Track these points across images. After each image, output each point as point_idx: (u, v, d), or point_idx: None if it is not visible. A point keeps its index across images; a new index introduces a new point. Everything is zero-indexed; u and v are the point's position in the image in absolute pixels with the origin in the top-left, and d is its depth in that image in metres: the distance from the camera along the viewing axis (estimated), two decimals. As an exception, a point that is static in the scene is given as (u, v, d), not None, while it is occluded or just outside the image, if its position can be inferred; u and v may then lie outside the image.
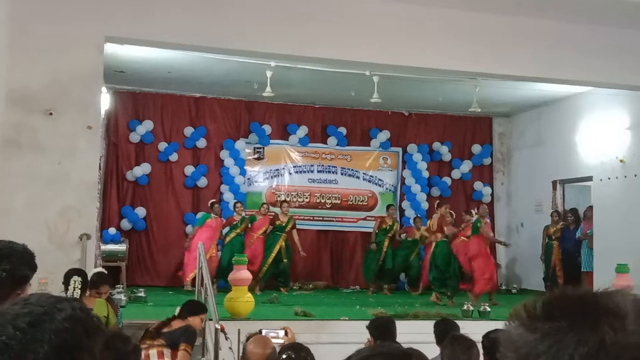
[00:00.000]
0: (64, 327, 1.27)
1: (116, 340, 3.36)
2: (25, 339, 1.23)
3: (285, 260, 12.71)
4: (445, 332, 5.10)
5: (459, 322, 6.29)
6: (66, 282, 5.33)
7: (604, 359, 0.96)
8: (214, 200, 12.93)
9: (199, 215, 13.05)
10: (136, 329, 6.58)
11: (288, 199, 13.67)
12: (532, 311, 1.03)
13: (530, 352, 1.00)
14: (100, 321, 1.38)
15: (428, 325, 5.91)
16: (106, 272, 6.79)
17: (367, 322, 5.58)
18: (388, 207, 13.88)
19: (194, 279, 11.65)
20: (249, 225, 12.79)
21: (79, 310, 1.32)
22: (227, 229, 12.70)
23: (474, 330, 6.75)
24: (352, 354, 1.59)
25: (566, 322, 0.99)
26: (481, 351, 4.40)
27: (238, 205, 12.97)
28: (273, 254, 12.54)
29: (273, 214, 13.15)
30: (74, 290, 4.94)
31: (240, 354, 5.28)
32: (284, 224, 12.82)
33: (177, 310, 5.68)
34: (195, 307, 5.90)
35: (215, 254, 12.22)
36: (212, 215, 12.41)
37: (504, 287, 14.56)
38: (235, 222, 12.64)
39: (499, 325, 5.18)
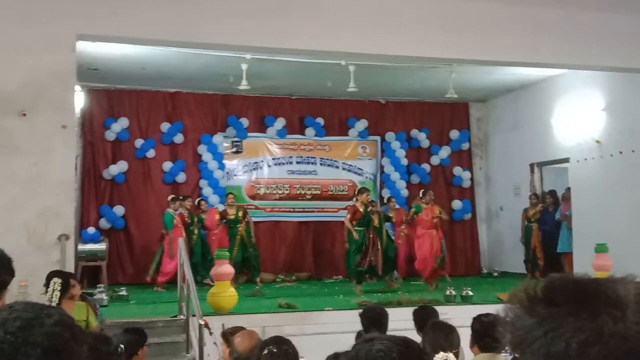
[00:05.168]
0: (55, 331, 1.27)
1: (98, 341, 3.34)
2: (17, 342, 1.24)
3: (251, 250, 12.63)
4: (425, 319, 5.12)
5: (442, 308, 6.33)
6: (47, 284, 5.27)
7: (600, 348, 0.94)
8: (174, 195, 12.55)
9: (165, 217, 12.18)
10: (119, 328, 6.54)
11: (233, 192, 13.33)
12: (533, 294, 1.02)
13: (527, 335, 0.99)
14: (83, 330, 1.38)
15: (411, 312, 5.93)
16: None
17: (351, 312, 5.59)
18: (360, 190, 12.08)
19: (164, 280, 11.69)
20: (203, 224, 12.71)
21: (66, 316, 1.33)
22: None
23: (457, 314, 6.81)
24: (358, 340, 1.56)
25: (565, 308, 0.98)
26: (467, 334, 4.42)
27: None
28: (236, 248, 12.36)
29: (223, 208, 13.01)
30: (54, 292, 4.87)
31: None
32: (234, 217, 12.70)
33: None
34: (139, 338, 5.29)
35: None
36: (172, 211, 12.06)
37: (485, 271, 14.67)
38: (188, 221, 12.38)
39: (482, 309, 5.21)
